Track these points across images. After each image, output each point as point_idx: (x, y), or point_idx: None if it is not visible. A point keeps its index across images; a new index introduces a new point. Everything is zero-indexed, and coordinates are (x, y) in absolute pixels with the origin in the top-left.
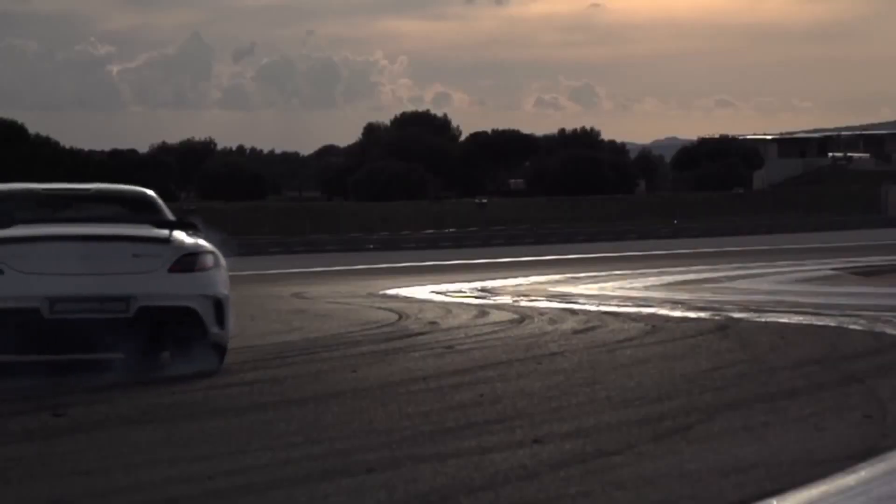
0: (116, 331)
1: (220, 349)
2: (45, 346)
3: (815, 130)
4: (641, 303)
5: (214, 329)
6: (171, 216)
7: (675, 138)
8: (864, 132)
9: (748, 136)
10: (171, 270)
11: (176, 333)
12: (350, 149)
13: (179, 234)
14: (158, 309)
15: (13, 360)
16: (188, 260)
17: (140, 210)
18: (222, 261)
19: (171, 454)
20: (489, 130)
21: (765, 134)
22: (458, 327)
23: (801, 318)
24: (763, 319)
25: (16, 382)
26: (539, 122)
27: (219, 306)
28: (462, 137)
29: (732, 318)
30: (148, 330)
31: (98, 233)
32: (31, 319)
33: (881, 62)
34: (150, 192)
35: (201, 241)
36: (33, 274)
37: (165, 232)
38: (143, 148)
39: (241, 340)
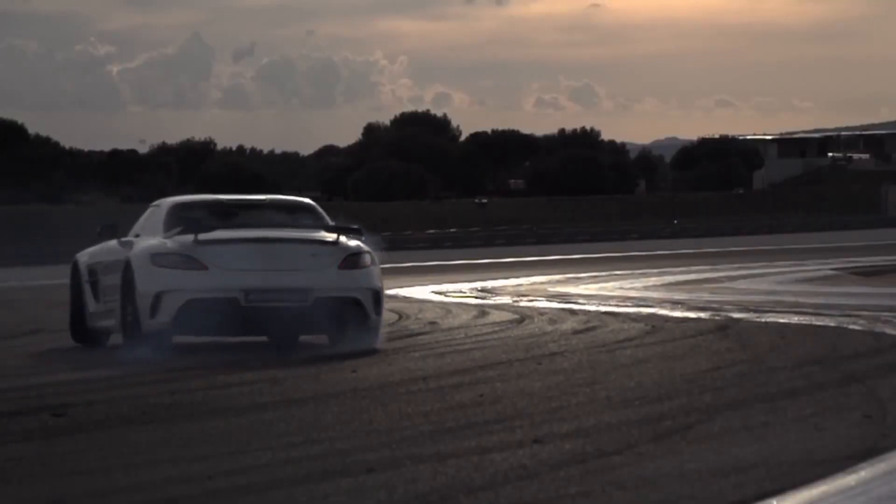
0: (297, 317)
1: (377, 332)
2: (241, 329)
3: (815, 130)
4: (641, 303)
5: (373, 316)
6: (331, 222)
7: (675, 138)
8: (864, 132)
9: (748, 136)
10: (340, 267)
11: (344, 319)
12: (350, 149)
13: (343, 237)
14: (331, 299)
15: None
16: (353, 259)
17: (305, 216)
18: (377, 259)
19: (171, 454)
20: (489, 130)
21: (765, 134)
22: (458, 327)
23: (801, 318)
24: (763, 319)
25: (16, 382)
26: (539, 122)
27: (377, 297)
28: (462, 137)
29: (732, 319)
30: (322, 316)
31: (282, 236)
32: (230, 307)
33: (881, 62)
34: (312, 202)
35: (360, 243)
36: (232, 270)
37: (334, 235)
38: (143, 148)
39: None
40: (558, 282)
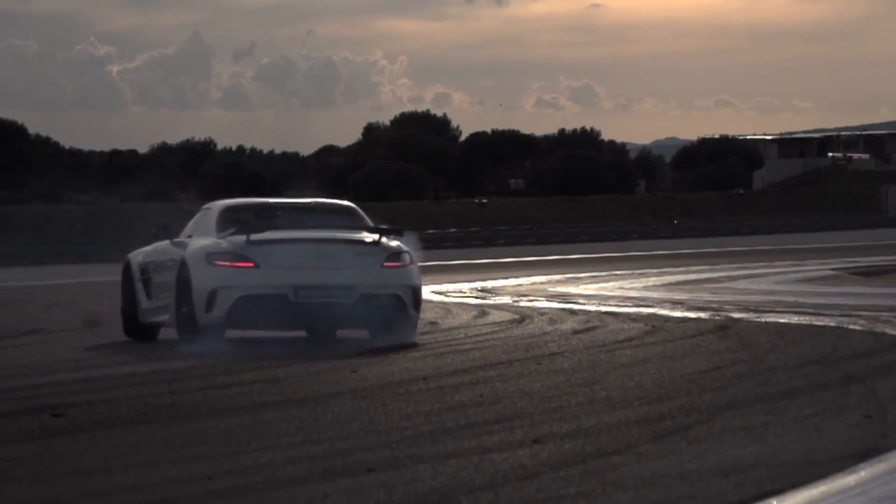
0: (342, 312)
1: (415, 327)
2: (290, 323)
3: (815, 130)
4: (641, 303)
5: (413, 312)
6: (371, 223)
7: (675, 138)
8: (864, 132)
9: (748, 136)
10: (382, 266)
11: (386, 315)
12: (350, 149)
13: (384, 238)
14: (374, 296)
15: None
16: (394, 258)
17: (347, 218)
18: (416, 258)
19: (171, 454)
20: (489, 130)
21: (765, 134)
22: (458, 327)
23: (801, 318)
24: (763, 319)
25: (16, 382)
26: (539, 122)
27: (416, 294)
28: (462, 137)
29: (732, 318)
30: (365, 312)
31: (328, 236)
32: (280, 303)
33: (881, 62)
34: (354, 205)
35: (400, 243)
36: (281, 268)
37: (376, 235)
38: (143, 148)
39: (240, 340)
40: (558, 282)
